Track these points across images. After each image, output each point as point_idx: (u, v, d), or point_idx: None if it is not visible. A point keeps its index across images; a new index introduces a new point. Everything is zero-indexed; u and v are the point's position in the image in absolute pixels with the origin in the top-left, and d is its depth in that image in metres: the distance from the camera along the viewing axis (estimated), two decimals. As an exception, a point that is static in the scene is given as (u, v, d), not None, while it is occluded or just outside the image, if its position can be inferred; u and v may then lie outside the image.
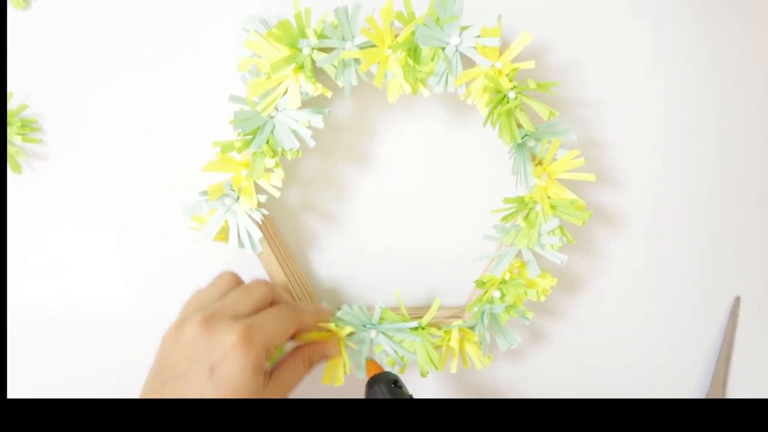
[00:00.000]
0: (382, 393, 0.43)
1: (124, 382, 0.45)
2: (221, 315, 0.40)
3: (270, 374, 0.42)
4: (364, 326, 0.48)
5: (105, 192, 0.50)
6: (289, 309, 0.43)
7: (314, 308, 0.46)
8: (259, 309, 0.42)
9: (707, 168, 0.52)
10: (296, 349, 0.45)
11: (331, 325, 0.48)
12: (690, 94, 0.51)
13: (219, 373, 0.37)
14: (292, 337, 0.46)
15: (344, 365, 0.48)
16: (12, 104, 0.48)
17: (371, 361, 0.48)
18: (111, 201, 0.50)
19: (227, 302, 0.41)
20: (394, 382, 0.44)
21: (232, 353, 0.37)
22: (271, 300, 0.43)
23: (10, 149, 0.47)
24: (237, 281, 0.44)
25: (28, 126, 0.48)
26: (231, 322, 0.39)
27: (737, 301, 0.55)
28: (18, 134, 0.47)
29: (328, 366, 0.48)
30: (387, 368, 0.48)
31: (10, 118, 0.47)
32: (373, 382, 0.44)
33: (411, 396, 0.44)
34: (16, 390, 0.52)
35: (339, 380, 0.48)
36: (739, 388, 0.56)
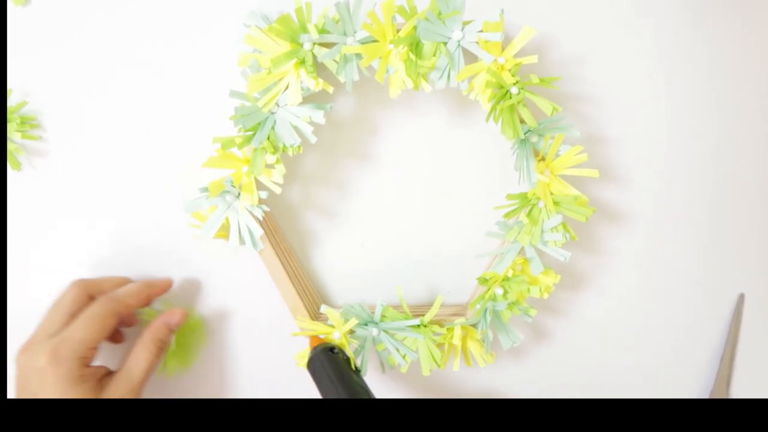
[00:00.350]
0: (320, 361, 0.43)
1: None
2: (37, 338, 0.43)
3: (112, 374, 0.44)
4: (366, 324, 0.48)
5: (105, 189, 0.50)
6: (101, 303, 0.44)
7: (136, 287, 0.46)
8: (73, 315, 0.44)
9: (710, 165, 0.52)
10: (138, 336, 0.46)
11: (336, 315, 0.48)
12: (693, 91, 0.51)
13: (36, 395, 0.41)
14: (127, 324, 0.48)
15: None
16: (12, 101, 0.47)
17: (314, 336, 0.47)
18: (111, 198, 0.50)
19: (43, 322, 0.44)
20: (331, 349, 0.44)
21: (43, 375, 0.41)
22: (86, 300, 0.45)
23: (10, 146, 0.47)
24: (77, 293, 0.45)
25: (28, 123, 0.48)
26: (41, 344, 0.42)
27: (741, 298, 0.55)
28: (17, 131, 0.47)
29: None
30: (389, 365, 0.47)
31: (10, 115, 0.47)
32: (312, 355, 0.44)
33: (347, 358, 0.45)
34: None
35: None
36: (743, 387, 0.56)
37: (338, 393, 0.41)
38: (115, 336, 0.49)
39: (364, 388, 0.43)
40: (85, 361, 0.42)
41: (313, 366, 0.44)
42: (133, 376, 0.44)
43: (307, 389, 0.53)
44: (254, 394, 0.53)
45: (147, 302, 0.47)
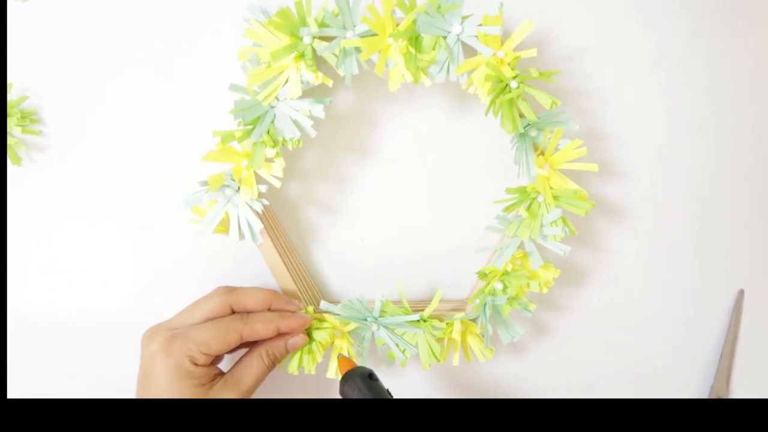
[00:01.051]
0: (358, 387, 0.42)
1: (125, 381, 0.44)
2: (163, 325, 0.45)
3: (224, 375, 0.45)
4: (366, 319, 0.48)
5: (105, 184, 0.50)
6: (233, 318, 0.45)
7: (270, 317, 0.46)
8: (208, 320, 0.45)
9: (710, 160, 0.52)
10: (254, 345, 0.46)
11: (334, 320, 0.48)
12: (693, 87, 0.51)
13: (149, 377, 0.42)
14: (247, 345, 0.47)
15: (314, 354, 0.47)
16: (12, 95, 0.47)
17: (343, 357, 0.47)
18: (111, 193, 0.50)
19: (178, 315, 0.46)
20: (369, 375, 0.43)
21: (153, 359, 0.42)
22: (227, 311, 0.46)
23: (10, 141, 0.47)
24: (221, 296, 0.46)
25: (28, 117, 0.48)
26: (161, 331, 0.43)
27: (741, 294, 0.55)
28: (18, 126, 0.47)
29: (294, 354, 0.48)
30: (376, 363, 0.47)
31: (11, 110, 0.47)
32: (347, 377, 0.43)
33: (387, 389, 0.43)
34: (16, 390, 0.52)
35: (309, 369, 0.47)
36: (743, 383, 0.56)
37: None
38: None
39: None
40: (197, 361, 0.43)
41: (350, 392, 0.42)
42: (242, 382, 0.44)
43: (304, 386, 0.53)
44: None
45: (275, 334, 0.46)
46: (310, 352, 0.48)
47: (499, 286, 0.48)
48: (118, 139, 0.49)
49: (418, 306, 0.50)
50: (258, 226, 0.46)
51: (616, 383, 0.56)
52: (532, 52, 0.43)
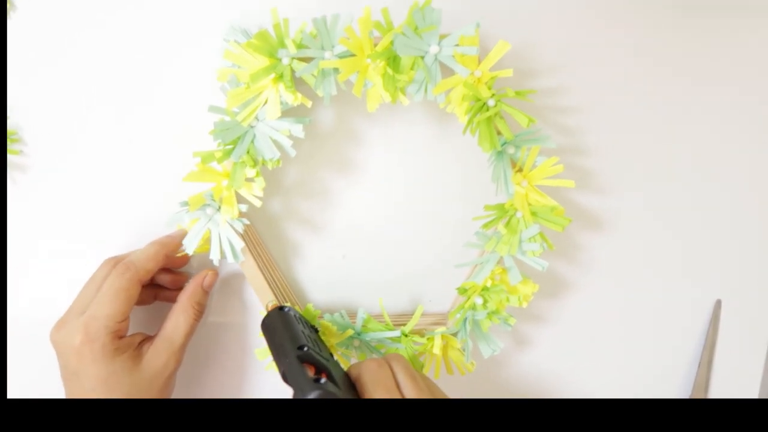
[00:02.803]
0: (270, 317, 0.44)
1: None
2: (69, 316, 0.44)
3: (151, 339, 0.45)
4: (351, 336, 0.48)
5: (87, 204, 0.50)
6: (119, 275, 0.44)
7: (152, 250, 0.46)
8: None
9: (688, 173, 0.53)
10: (175, 301, 0.47)
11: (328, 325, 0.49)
12: (669, 100, 0.51)
13: (78, 373, 0.42)
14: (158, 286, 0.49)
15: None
16: (-9, 116, 0.48)
17: (271, 303, 0.48)
18: (92, 213, 0.50)
19: (76, 300, 0.45)
20: (281, 308, 0.45)
21: (81, 353, 0.42)
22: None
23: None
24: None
25: (9, 137, 0.48)
26: (73, 322, 0.43)
27: (718, 304, 0.55)
28: (-3, 146, 0.47)
29: None
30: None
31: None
32: (264, 317, 0.45)
33: (299, 317, 0.45)
34: (16, 390, 0.52)
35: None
36: (720, 391, 0.57)
37: (280, 339, 0.41)
38: (145, 298, 0.49)
39: (314, 340, 0.44)
40: (118, 334, 0.43)
41: (264, 324, 0.44)
42: (174, 340, 0.45)
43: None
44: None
45: (165, 262, 0.47)
46: None
47: (479, 301, 0.48)
48: (99, 160, 0.49)
49: (399, 320, 0.51)
50: (239, 244, 0.46)
51: (597, 394, 0.56)
52: (508, 72, 0.44)
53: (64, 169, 0.49)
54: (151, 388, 0.44)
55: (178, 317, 0.46)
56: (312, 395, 0.35)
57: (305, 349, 0.40)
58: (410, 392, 0.39)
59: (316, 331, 0.47)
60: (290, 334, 0.42)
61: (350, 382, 0.40)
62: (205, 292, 0.48)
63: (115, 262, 0.45)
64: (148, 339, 0.46)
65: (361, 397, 0.39)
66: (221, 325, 0.52)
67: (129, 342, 0.44)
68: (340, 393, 0.36)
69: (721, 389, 0.57)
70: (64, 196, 0.50)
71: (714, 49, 0.51)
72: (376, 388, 0.38)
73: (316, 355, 0.40)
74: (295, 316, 0.45)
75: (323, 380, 0.36)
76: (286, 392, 0.52)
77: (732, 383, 0.57)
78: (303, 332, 0.43)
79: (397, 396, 0.38)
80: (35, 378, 0.51)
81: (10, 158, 0.48)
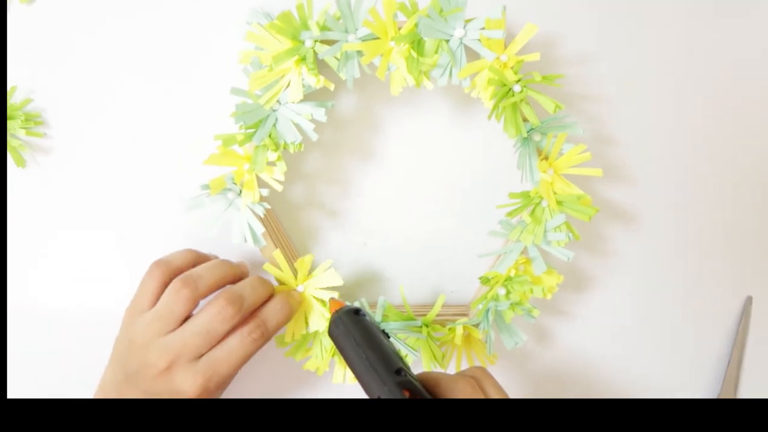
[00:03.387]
0: (344, 324, 0.39)
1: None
2: (184, 358, 0.40)
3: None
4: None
5: (108, 186, 0.50)
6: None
7: (252, 282, 0.44)
8: (159, 296, 0.43)
9: (718, 166, 0.51)
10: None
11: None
12: (701, 90, 0.50)
13: (151, 391, 0.40)
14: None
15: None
16: (16, 98, 0.48)
17: (333, 300, 0.44)
18: (114, 195, 0.50)
19: (190, 338, 0.41)
20: (356, 312, 0.41)
21: (178, 394, 0.40)
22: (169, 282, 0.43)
23: (14, 143, 0.47)
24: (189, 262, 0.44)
25: (32, 120, 0.48)
26: (190, 369, 0.40)
27: (749, 300, 0.54)
28: (22, 128, 0.47)
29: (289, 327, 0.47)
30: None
31: (14, 112, 0.47)
32: (333, 318, 0.40)
33: (377, 324, 0.42)
34: (16, 390, 0.52)
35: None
36: (750, 389, 0.55)
37: (367, 358, 0.37)
38: None
39: (395, 353, 0.39)
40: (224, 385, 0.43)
41: (336, 330, 0.40)
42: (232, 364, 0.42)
43: (307, 389, 0.53)
44: (254, 395, 0.53)
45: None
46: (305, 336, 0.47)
47: (502, 291, 0.48)
48: (121, 142, 0.49)
49: (420, 311, 0.50)
50: (260, 229, 0.46)
51: (622, 391, 0.55)
52: (535, 56, 0.43)
53: (87, 152, 0.49)
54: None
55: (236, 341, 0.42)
56: None
57: (403, 374, 0.36)
58: None
59: (387, 336, 0.42)
60: (382, 353, 0.38)
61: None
62: (278, 327, 0.44)
63: (164, 268, 0.44)
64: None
65: None
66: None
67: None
68: None
69: (751, 388, 0.55)
70: (87, 178, 0.50)
71: (752, 41, 0.49)
72: None
73: (413, 380, 0.37)
74: (372, 322, 0.41)
75: None
76: (297, 380, 0.51)
77: (763, 382, 0.55)
78: (390, 347, 0.39)
79: None
80: (39, 377, 0.51)
81: (34, 141, 0.49)
